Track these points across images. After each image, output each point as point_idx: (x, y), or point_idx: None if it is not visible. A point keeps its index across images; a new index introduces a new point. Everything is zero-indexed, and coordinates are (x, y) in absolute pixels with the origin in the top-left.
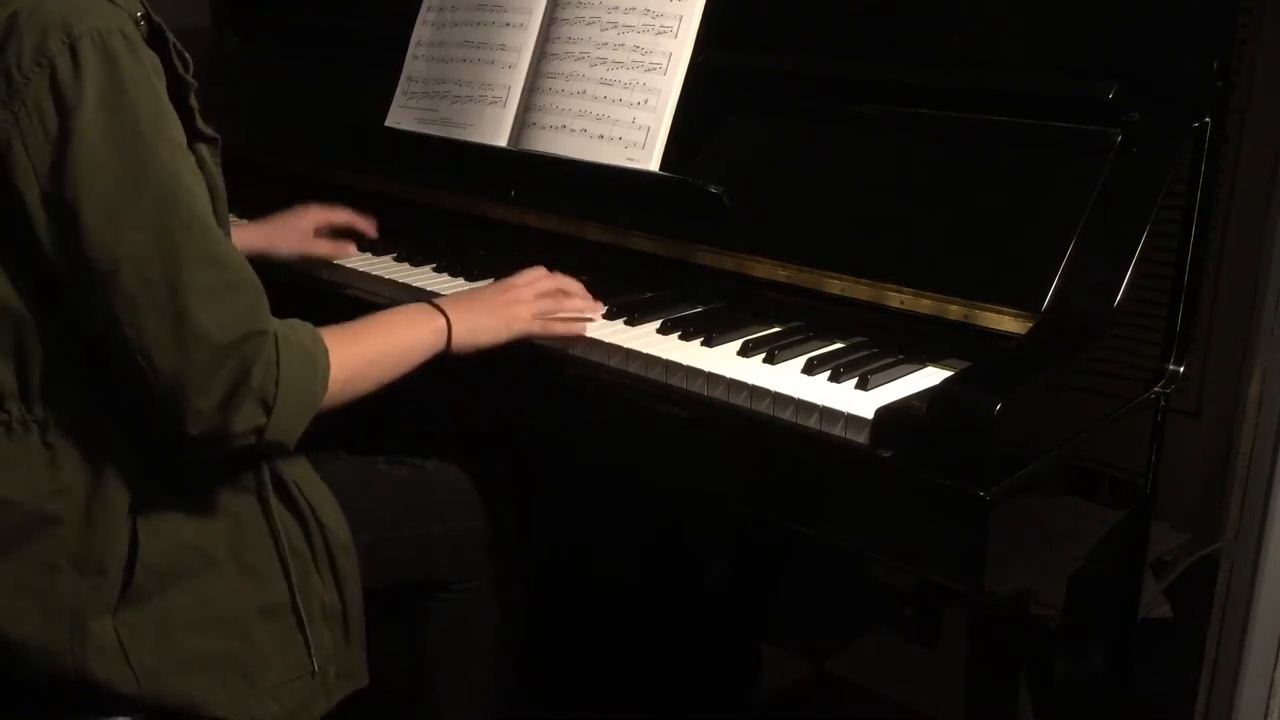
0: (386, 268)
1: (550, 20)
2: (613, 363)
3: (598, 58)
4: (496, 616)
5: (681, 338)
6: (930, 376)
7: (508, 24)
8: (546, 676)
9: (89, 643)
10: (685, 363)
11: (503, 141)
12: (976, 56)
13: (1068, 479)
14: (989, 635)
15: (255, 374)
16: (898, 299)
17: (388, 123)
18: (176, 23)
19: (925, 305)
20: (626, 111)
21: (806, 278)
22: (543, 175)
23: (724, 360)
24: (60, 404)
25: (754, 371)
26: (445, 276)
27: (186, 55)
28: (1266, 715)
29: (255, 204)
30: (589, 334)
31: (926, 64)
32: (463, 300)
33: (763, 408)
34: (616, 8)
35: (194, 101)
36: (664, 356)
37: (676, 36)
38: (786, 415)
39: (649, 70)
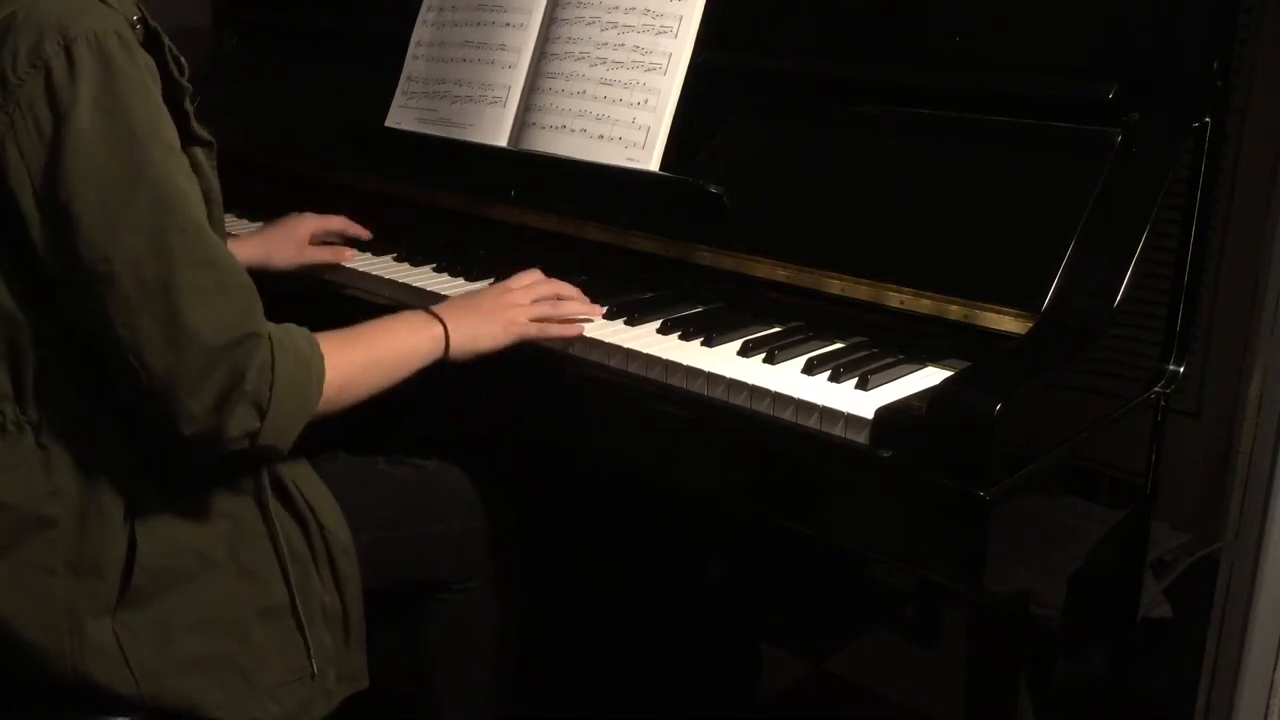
0: (386, 268)
1: (550, 20)
2: (613, 363)
3: (598, 58)
4: (496, 616)
5: (681, 338)
6: (930, 376)
7: (508, 24)
8: (546, 676)
9: (87, 644)
10: (685, 363)
11: (503, 141)
12: (976, 56)
13: (1068, 479)
14: (989, 635)
15: (249, 377)
16: (898, 299)
17: (388, 123)
18: (176, 23)
19: (925, 305)
20: (626, 111)
21: (806, 278)
22: (543, 175)
23: (724, 360)
24: (55, 406)
25: (754, 371)
26: (445, 276)
27: (182, 59)
28: (1266, 715)
29: (255, 204)
30: (589, 334)
31: (926, 64)
32: (459, 307)
33: (763, 408)
34: (616, 8)
35: (189, 105)
36: (664, 356)
37: (676, 36)
38: (786, 415)
39: (649, 70)
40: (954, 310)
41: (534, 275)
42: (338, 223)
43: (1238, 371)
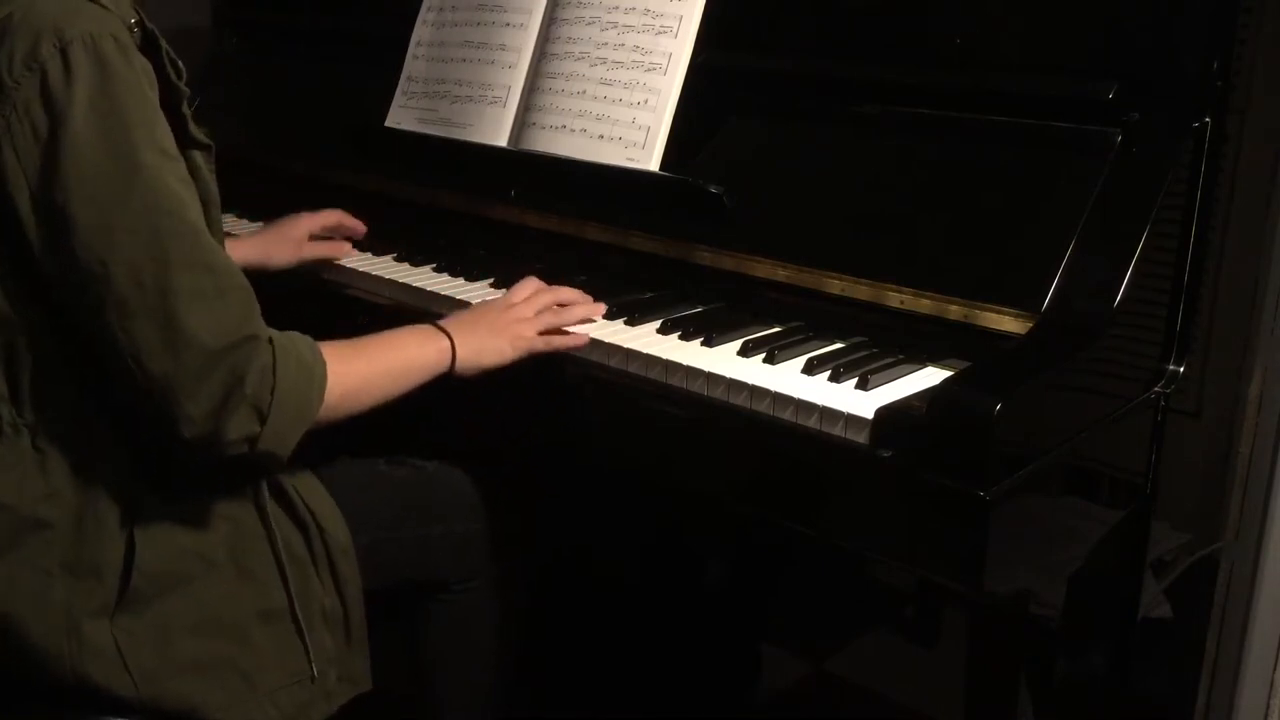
0: (386, 268)
1: (550, 20)
2: (613, 363)
3: (598, 58)
4: (497, 617)
5: (681, 338)
6: (930, 376)
7: (508, 24)
8: (546, 676)
9: (86, 646)
10: (685, 363)
11: (503, 141)
12: (976, 56)
13: (1068, 479)
14: (989, 635)
15: (250, 381)
16: (898, 299)
17: (388, 123)
18: (176, 23)
19: (925, 305)
20: (626, 111)
21: (806, 278)
22: (543, 175)
23: (724, 360)
24: (51, 408)
25: (754, 371)
26: (445, 276)
27: (179, 62)
28: (1266, 715)
29: (255, 204)
30: (589, 334)
31: (926, 64)
32: (465, 321)
33: (763, 408)
34: (616, 8)
35: (187, 109)
36: (664, 356)
37: (676, 36)
38: (786, 415)
39: (649, 70)
40: (954, 310)
41: (533, 285)
42: (334, 217)
43: (1238, 371)
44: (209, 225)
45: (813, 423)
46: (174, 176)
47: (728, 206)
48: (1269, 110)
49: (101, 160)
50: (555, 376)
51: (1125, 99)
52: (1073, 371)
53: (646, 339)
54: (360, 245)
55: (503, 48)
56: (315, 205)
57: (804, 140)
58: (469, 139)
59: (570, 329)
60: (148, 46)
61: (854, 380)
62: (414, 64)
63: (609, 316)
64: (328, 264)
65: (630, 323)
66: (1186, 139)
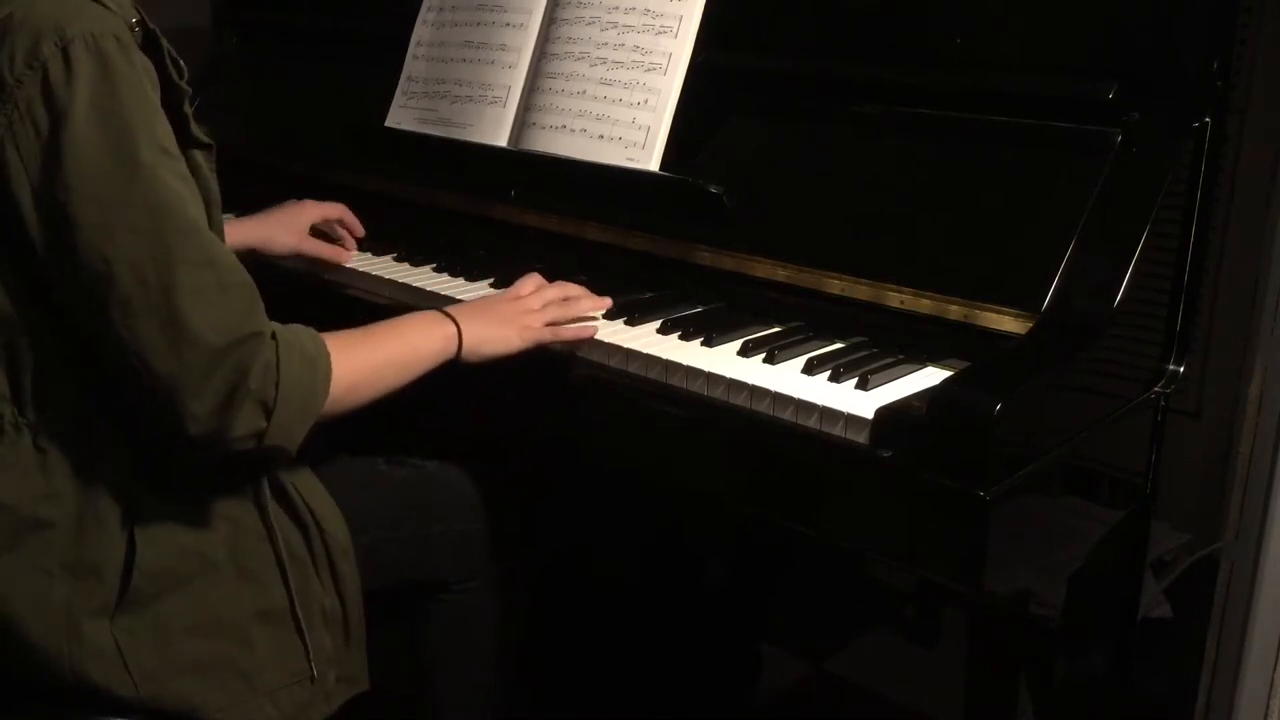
0: (386, 267)
1: (550, 20)
2: (613, 363)
3: (598, 58)
4: (497, 617)
5: (681, 338)
6: (930, 376)
7: (508, 24)
8: (546, 676)
9: (86, 646)
10: (685, 363)
11: (503, 141)
12: (976, 56)
13: (1068, 479)
14: (989, 635)
15: (253, 376)
16: (898, 299)
17: (388, 123)
18: (176, 23)
19: (925, 305)
20: (626, 111)
21: (806, 278)
22: (543, 175)
23: (724, 360)
24: (52, 408)
25: (754, 371)
26: (445, 276)
27: (181, 62)
28: (1266, 715)
29: (255, 204)
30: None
31: (926, 64)
32: (472, 309)
33: (763, 408)
34: (616, 8)
35: (188, 108)
36: (664, 356)
37: (676, 36)
38: (786, 415)
39: (649, 70)
40: (954, 310)
41: (536, 280)
42: (338, 211)
43: (1238, 371)
44: (210, 225)
45: (813, 423)
46: (174, 175)
47: (728, 206)
48: (1269, 110)
49: (103, 159)
50: (555, 376)
51: (1125, 99)
52: (1073, 371)
53: (646, 339)
54: (360, 245)
55: (503, 48)
56: None
57: (804, 140)
58: (469, 139)
59: (578, 322)
60: (149, 46)
61: (854, 380)
62: (414, 64)
63: (609, 316)
64: (326, 264)
65: (630, 323)
66: (1186, 139)
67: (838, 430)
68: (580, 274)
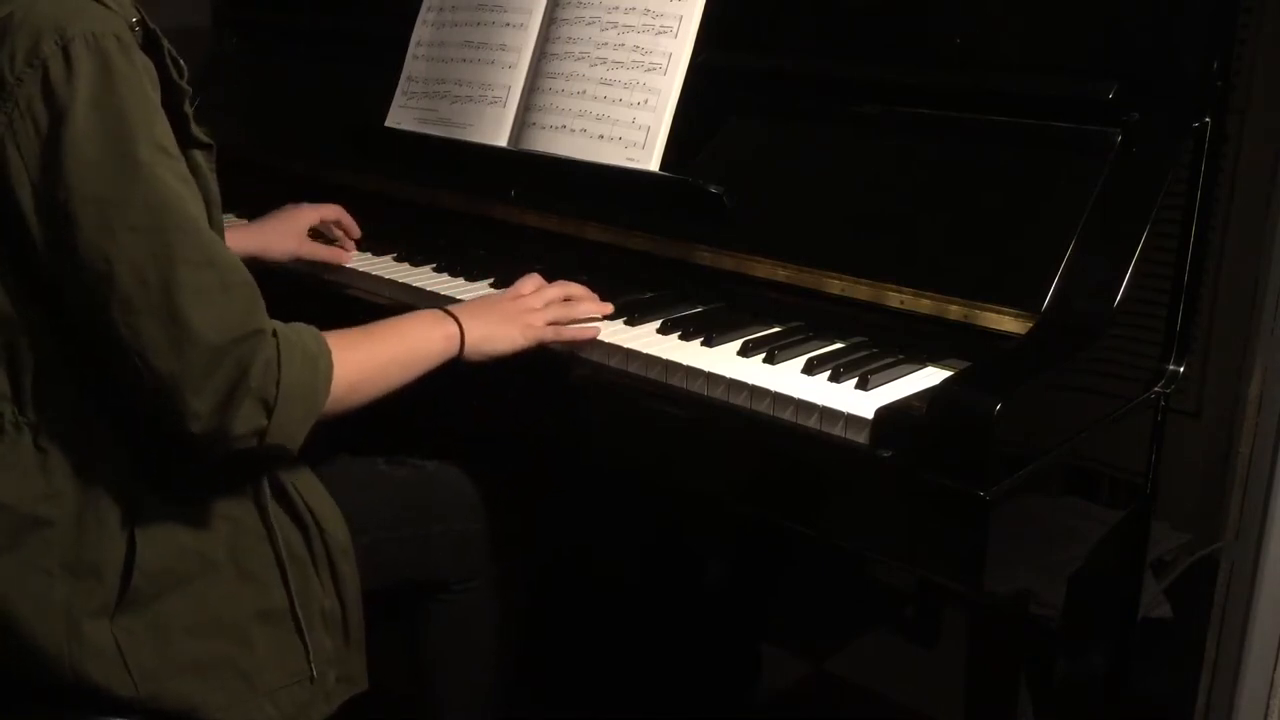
0: (386, 268)
1: (550, 20)
2: (613, 363)
3: (598, 58)
4: (496, 617)
5: (681, 338)
6: (930, 376)
7: (508, 24)
8: (546, 676)
9: (86, 645)
10: (685, 363)
11: (503, 141)
12: (976, 56)
13: (1068, 479)
14: (989, 635)
15: (253, 375)
16: (898, 299)
17: (388, 123)
18: (176, 23)
19: (925, 305)
20: (626, 111)
21: (806, 278)
22: (543, 175)
23: (724, 360)
24: (54, 407)
25: (754, 371)
26: (445, 276)
27: (181, 62)
28: (1266, 715)
29: (256, 204)
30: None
31: (926, 64)
32: (474, 307)
33: (763, 408)
34: (616, 8)
35: (188, 108)
36: (664, 356)
37: (676, 36)
38: (786, 415)
39: (649, 70)
40: (954, 310)
41: (536, 280)
42: (334, 212)
43: (1238, 371)
44: (211, 225)
45: (813, 423)
46: (173, 174)
47: (728, 206)
48: (1269, 110)
49: (102, 157)
50: (555, 376)
51: (1125, 99)
52: (1073, 371)
53: (646, 339)
54: (360, 245)
55: (503, 48)
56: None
57: (804, 140)
58: (469, 139)
59: (579, 323)
60: (149, 46)
61: (854, 380)
62: (414, 64)
63: (609, 316)
64: (325, 266)
65: (630, 323)
66: (1186, 139)
67: (838, 430)
68: (580, 274)
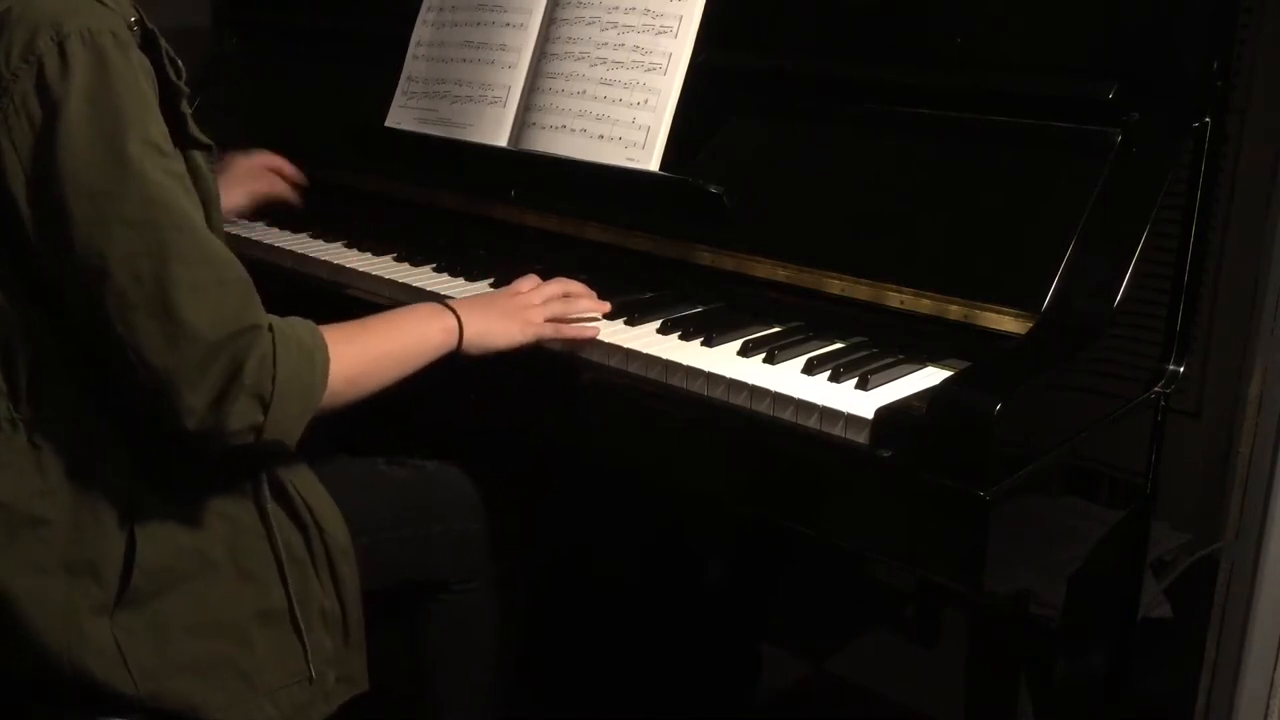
0: (386, 267)
1: (550, 20)
2: (613, 363)
3: (598, 58)
4: (496, 617)
5: (681, 338)
6: (930, 376)
7: (508, 24)
8: (546, 676)
9: (86, 644)
10: (685, 363)
11: (503, 141)
12: (976, 56)
13: (1068, 479)
14: (989, 635)
15: (249, 370)
16: (898, 299)
17: (388, 123)
18: (176, 23)
19: (925, 305)
20: (626, 111)
21: (806, 278)
22: (543, 175)
23: (724, 360)
24: (50, 405)
25: (754, 371)
26: (445, 276)
27: (179, 61)
28: (1266, 715)
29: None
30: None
31: (926, 64)
32: (473, 302)
33: (763, 408)
34: (616, 8)
35: (186, 108)
36: (664, 356)
37: (676, 36)
38: (786, 415)
39: (649, 70)
40: (954, 310)
41: (534, 279)
42: (269, 158)
43: (1238, 371)
44: (210, 225)
45: (813, 423)
46: (164, 171)
47: (728, 206)
48: (1269, 110)
49: (97, 154)
50: (555, 376)
51: (1125, 99)
52: (1073, 371)
53: (646, 339)
54: (360, 245)
55: (503, 48)
56: (315, 205)
57: (804, 140)
58: (469, 139)
59: (580, 321)
60: (147, 45)
61: (854, 380)
62: (414, 64)
63: (609, 316)
64: (326, 265)
65: (630, 323)
66: (1186, 139)
67: (838, 430)
68: (580, 274)
